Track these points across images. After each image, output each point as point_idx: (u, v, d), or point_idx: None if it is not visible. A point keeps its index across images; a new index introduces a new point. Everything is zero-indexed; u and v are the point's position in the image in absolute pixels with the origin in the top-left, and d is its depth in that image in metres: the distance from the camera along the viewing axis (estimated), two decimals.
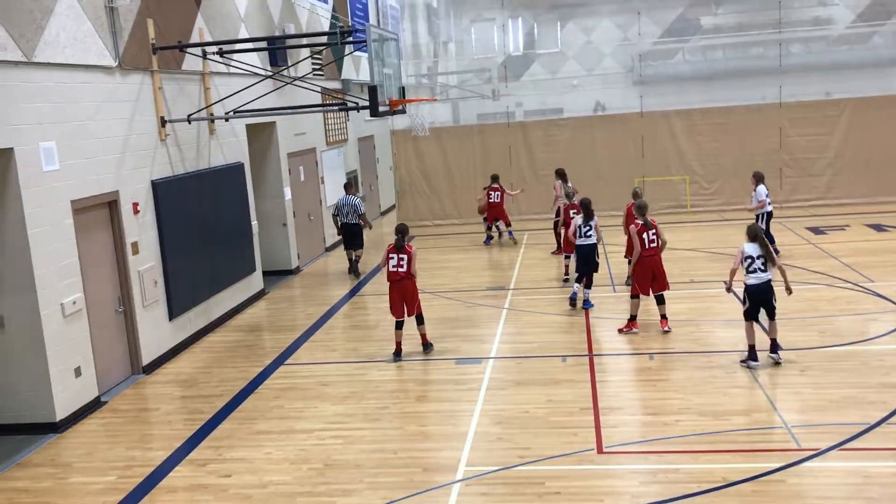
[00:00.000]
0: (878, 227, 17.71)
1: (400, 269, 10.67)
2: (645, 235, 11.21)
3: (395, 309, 10.82)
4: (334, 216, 16.18)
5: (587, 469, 7.35)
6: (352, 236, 16.09)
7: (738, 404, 8.55)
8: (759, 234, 9.88)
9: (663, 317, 11.33)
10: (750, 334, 9.71)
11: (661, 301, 11.37)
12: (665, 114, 21.63)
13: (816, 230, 17.84)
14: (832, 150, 20.96)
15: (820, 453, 7.30)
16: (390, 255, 10.73)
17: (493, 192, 18.03)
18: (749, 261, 9.73)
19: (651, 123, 21.59)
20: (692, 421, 8.21)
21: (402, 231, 10.91)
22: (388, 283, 10.84)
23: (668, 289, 11.41)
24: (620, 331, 11.28)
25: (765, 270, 9.69)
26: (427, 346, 11.00)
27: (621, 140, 21.68)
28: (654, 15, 24.63)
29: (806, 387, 8.95)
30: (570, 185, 16.28)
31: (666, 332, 11.16)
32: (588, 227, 12.69)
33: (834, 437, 7.56)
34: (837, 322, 11.20)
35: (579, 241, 12.66)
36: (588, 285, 12.79)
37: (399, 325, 10.88)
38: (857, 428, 7.73)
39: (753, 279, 9.70)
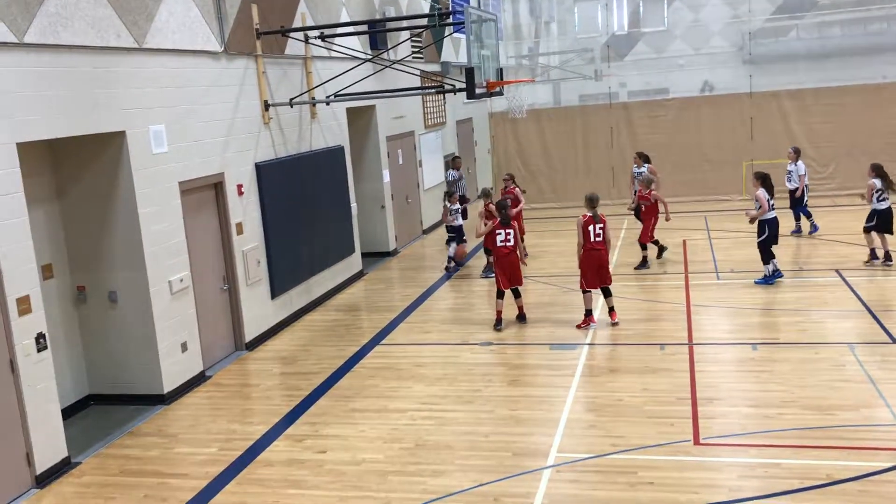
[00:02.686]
0: None
1: (508, 244, 11.28)
2: (591, 228, 10.96)
3: (503, 281, 11.35)
4: None
5: (682, 460, 7.16)
6: None
7: (846, 398, 8.15)
8: (882, 169, 13.17)
9: (611, 309, 11.19)
10: (870, 241, 13.26)
11: (607, 294, 11.20)
12: (776, 94, 20.74)
13: None
14: None
15: None
16: (497, 231, 11.31)
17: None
18: (879, 192, 12.94)
19: (761, 104, 20.75)
20: (796, 414, 7.88)
21: (504, 206, 11.54)
22: (497, 258, 11.44)
23: (611, 283, 11.22)
24: (579, 327, 11.07)
25: (886, 199, 12.92)
26: (522, 316, 11.50)
27: (729, 121, 20.93)
28: None
29: None
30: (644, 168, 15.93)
31: (615, 324, 11.04)
32: (772, 199, 12.68)
33: None
34: None
35: (768, 216, 12.54)
36: (768, 259, 12.76)
37: (500, 295, 11.40)
38: None
39: (884, 204, 13.02)
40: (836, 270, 13.12)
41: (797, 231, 15.90)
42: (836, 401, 8.12)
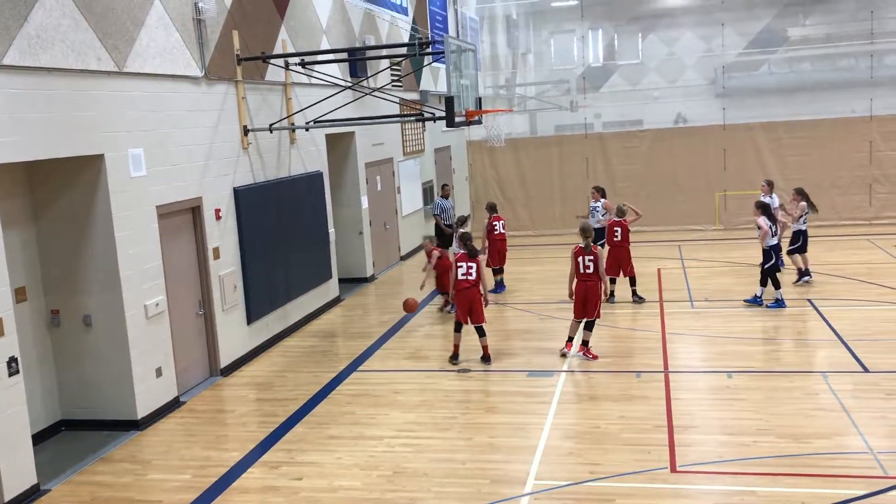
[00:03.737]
0: None
1: (469, 277, 10.91)
2: (581, 259, 10.87)
3: (462, 314, 11.02)
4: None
5: (659, 488, 7.18)
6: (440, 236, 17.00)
7: (820, 427, 8.23)
8: (805, 192, 14.39)
9: (584, 342, 10.98)
10: (797, 262, 14.38)
11: (588, 328, 11.00)
12: (749, 127, 21.12)
13: None
14: None
15: None
16: (459, 264, 10.99)
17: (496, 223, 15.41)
18: (805, 214, 14.23)
19: (734, 136, 21.11)
20: (771, 443, 7.94)
21: (468, 238, 11.27)
22: (457, 291, 11.00)
23: (598, 318, 10.99)
24: (563, 353, 11.06)
25: (806, 221, 14.29)
26: (487, 357, 11.03)
27: (702, 153, 21.25)
28: (738, 26, 24.08)
29: (893, 412, 8.55)
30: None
31: (591, 359, 10.82)
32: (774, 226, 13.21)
33: None
34: None
35: (771, 242, 13.01)
36: (777, 285, 13.15)
37: (458, 328, 11.08)
38: None
39: (805, 226, 14.26)
40: (809, 300, 13.30)
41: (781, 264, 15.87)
42: (811, 429, 8.20)
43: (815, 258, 16.21)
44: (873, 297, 13.31)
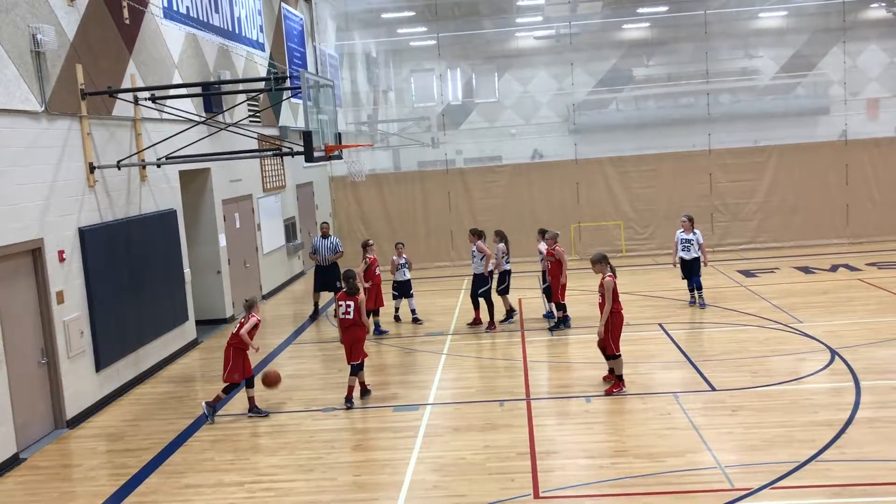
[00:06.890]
0: (806, 270, 18.24)
1: (347, 316, 10.74)
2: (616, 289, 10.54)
3: (346, 354, 10.84)
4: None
5: None
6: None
7: (673, 446, 8.58)
8: (504, 234, 14.41)
9: (619, 377, 10.73)
10: (507, 302, 14.40)
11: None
12: (599, 161, 22.09)
13: (747, 273, 18.28)
14: (760, 196, 21.63)
15: (752, 492, 7.34)
16: (339, 302, 10.83)
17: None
18: (506, 255, 14.26)
19: (586, 170, 22.01)
20: (628, 463, 8.21)
21: (350, 277, 11.08)
22: (340, 330, 10.91)
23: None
24: (609, 392, 10.35)
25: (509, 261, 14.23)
26: (366, 391, 10.97)
27: (557, 186, 22.03)
28: (587, 66, 25.31)
29: (738, 427, 9.05)
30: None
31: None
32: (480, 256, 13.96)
33: (766, 476, 7.63)
34: (768, 362, 11.41)
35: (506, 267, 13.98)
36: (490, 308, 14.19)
37: (354, 371, 10.73)
38: (788, 466, 7.82)
39: (509, 265, 14.12)
40: (660, 324, 13.93)
41: (693, 302, 15.30)
42: (664, 448, 8.53)
43: (666, 283, 17.11)
44: (717, 320, 14.11)
